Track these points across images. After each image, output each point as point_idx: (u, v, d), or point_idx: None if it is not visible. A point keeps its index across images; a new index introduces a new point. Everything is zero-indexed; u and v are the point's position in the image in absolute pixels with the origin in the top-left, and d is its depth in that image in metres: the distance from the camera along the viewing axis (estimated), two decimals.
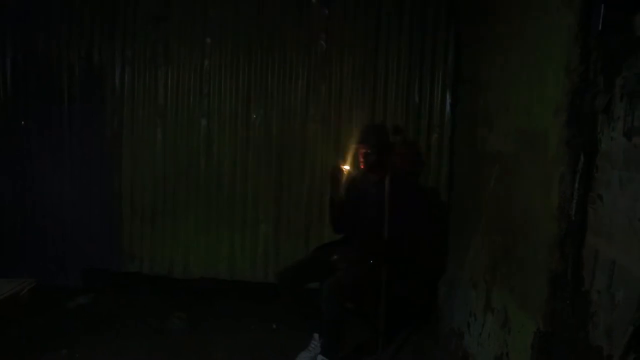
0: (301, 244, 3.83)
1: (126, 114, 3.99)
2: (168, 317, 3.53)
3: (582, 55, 1.65)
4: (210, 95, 3.89)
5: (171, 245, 4.01)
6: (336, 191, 3.11)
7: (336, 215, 3.19)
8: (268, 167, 3.85)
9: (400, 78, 3.69)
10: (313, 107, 3.79)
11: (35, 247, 4.14)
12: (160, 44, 3.91)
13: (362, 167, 3.07)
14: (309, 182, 3.81)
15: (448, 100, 3.66)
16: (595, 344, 1.50)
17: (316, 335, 3.00)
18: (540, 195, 1.99)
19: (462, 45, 3.56)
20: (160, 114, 3.94)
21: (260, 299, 3.83)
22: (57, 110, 4.05)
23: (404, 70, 3.68)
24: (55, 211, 4.09)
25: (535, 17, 2.14)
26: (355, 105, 3.74)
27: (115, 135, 4.00)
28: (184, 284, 4.00)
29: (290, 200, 3.85)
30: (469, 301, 2.83)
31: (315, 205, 3.81)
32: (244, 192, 3.89)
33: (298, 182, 3.84)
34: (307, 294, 3.01)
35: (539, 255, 1.93)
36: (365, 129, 3.15)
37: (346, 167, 3.07)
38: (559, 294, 1.75)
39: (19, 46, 4.03)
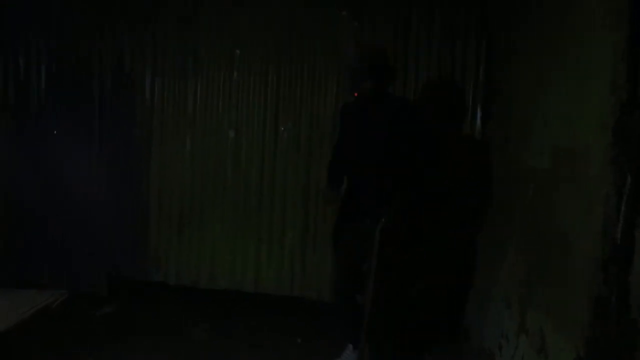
0: (329, 256, 3.77)
1: (155, 123, 4.03)
2: (192, 328, 3.53)
3: (630, 72, 1.59)
4: (238, 106, 3.91)
5: (197, 256, 4.02)
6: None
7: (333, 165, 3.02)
8: (296, 178, 3.83)
9: None
10: None
11: (62, 254, 4.17)
12: (190, 55, 3.96)
13: (355, 94, 2.74)
14: None
15: (479, 114, 3.60)
16: None
17: (350, 346, 2.94)
18: (580, 215, 1.92)
19: (494, 57, 3.50)
20: (189, 123, 3.98)
21: (285, 312, 3.80)
22: (88, 119, 4.10)
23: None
24: (84, 219, 4.14)
25: (577, 31, 2.08)
26: None
27: (144, 143, 4.05)
28: (209, 294, 4.00)
29: (318, 212, 3.83)
30: (501, 320, 2.75)
31: None
32: (271, 204, 3.89)
33: None
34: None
35: (580, 277, 1.86)
36: (359, 50, 2.82)
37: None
38: (602, 319, 1.68)
39: (54, 56, 4.11)
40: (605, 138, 1.72)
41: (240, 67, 3.90)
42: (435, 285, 3.52)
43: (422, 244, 3.21)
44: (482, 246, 3.41)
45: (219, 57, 3.92)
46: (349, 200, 2.90)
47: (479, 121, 3.59)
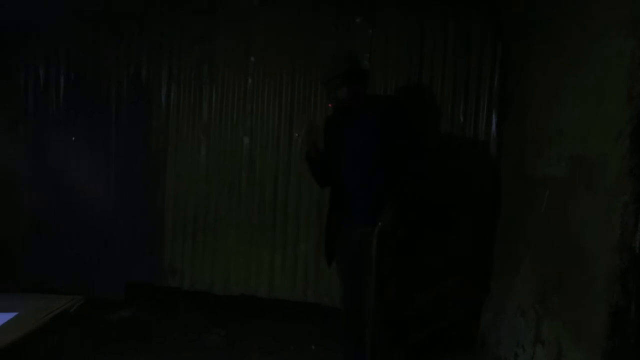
0: None
1: (171, 130, 4.08)
2: (207, 333, 3.56)
3: None
4: (253, 113, 3.94)
5: (212, 262, 4.04)
6: (311, 147, 2.82)
7: (317, 168, 2.93)
8: (310, 185, 3.81)
9: (445, 97, 3.63)
10: None
11: (78, 259, 4.23)
12: (206, 62, 3.99)
13: (330, 105, 2.78)
14: None
15: (494, 120, 3.58)
16: None
17: None
18: (597, 224, 1.90)
19: (510, 63, 3.48)
20: (204, 131, 4.01)
21: (300, 318, 3.80)
22: (104, 126, 4.17)
23: (449, 89, 3.63)
24: (100, 224, 4.19)
25: (593, 39, 2.07)
26: None
27: (160, 150, 4.09)
28: (224, 300, 4.01)
29: None
30: (516, 330, 2.72)
31: None
32: (285, 210, 3.89)
33: None
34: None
35: (597, 288, 1.84)
36: (331, 60, 2.81)
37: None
38: (619, 331, 1.66)
39: (72, 65, 4.20)
40: (622, 147, 1.71)
41: (255, 74, 3.93)
42: (444, 292, 3.51)
43: (423, 247, 3.18)
44: (496, 253, 3.39)
45: (233, 65, 3.95)
46: (340, 210, 2.85)
47: (494, 128, 3.56)
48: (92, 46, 4.15)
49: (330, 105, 2.79)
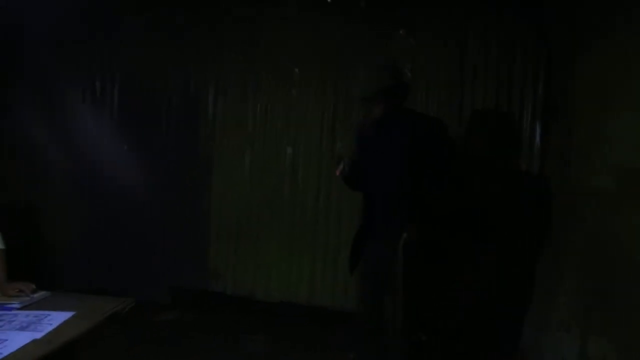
0: None
1: (217, 140, 4.21)
2: (246, 338, 3.63)
3: None
4: (297, 124, 4.02)
5: (254, 268, 4.13)
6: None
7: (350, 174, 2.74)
8: (351, 195, 3.85)
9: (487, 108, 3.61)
10: None
11: (126, 263, 4.39)
12: (251, 74, 4.10)
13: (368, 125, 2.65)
14: None
15: (538, 131, 3.52)
16: None
17: None
18: None
19: (554, 73, 3.42)
20: (249, 141, 4.12)
21: (338, 326, 3.81)
22: (154, 134, 4.33)
23: (491, 99, 3.60)
24: (148, 229, 4.34)
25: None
26: None
27: (207, 160, 4.23)
28: (264, 306, 4.09)
29: None
30: (560, 346, 2.67)
31: None
32: (327, 220, 3.95)
33: None
34: None
35: None
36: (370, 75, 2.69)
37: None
38: None
39: (125, 76, 4.41)
40: None
41: (299, 85, 4.01)
42: (481, 305, 3.45)
43: (461, 258, 3.14)
44: (538, 266, 3.33)
45: (278, 76, 4.05)
46: (368, 220, 2.80)
47: (537, 138, 3.50)
48: (143, 58, 4.33)
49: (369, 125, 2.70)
